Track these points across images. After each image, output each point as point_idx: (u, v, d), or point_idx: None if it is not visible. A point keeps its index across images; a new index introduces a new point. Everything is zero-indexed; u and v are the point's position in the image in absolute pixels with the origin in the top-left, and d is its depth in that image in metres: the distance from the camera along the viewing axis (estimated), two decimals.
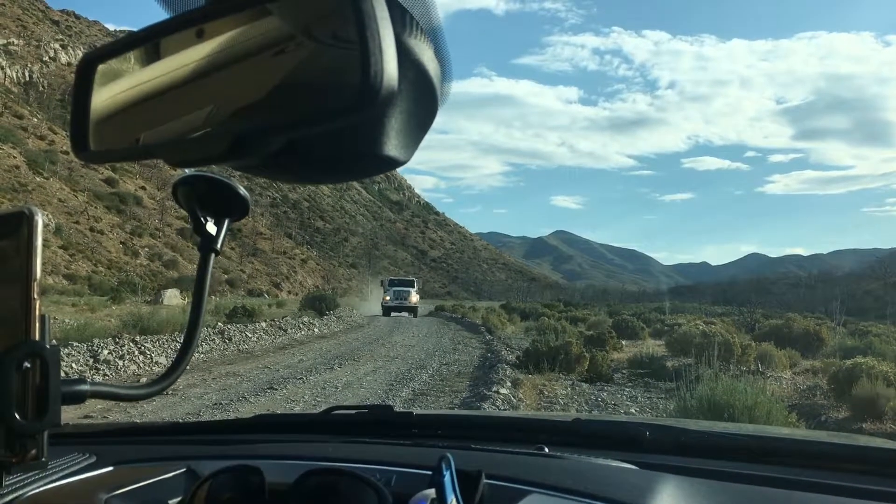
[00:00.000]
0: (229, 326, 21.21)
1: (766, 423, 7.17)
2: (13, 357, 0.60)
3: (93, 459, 1.33)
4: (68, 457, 1.33)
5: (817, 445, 1.53)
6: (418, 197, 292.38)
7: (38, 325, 0.62)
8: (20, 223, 0.63)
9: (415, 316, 43.87)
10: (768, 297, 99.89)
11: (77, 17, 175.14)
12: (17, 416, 0.60)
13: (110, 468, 1.30)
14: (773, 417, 7.56)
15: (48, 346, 0.62)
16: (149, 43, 0.68)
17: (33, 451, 0.61)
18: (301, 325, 26.15)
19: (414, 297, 45.90)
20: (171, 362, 0.77)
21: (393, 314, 44.65)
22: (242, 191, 0.82)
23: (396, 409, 1.69)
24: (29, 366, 0.61)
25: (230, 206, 0.82)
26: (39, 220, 0.63)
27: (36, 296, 0.62)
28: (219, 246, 0.81)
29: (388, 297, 45.94)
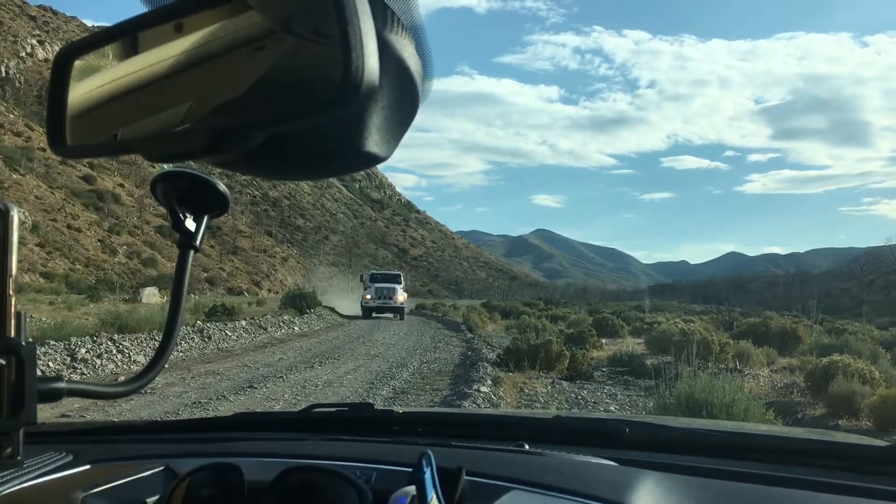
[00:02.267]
0: (209, 325, 21.07)
1: (743, 420, 7.23)
2: None
3: (69, 458, 1.32)
4: (44, 455, 1.31)
5: (794, 442, 1.55)
6: (399, 195, 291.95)
7: (13, 321, 0.61)
8: None
9: (401, 318, 37.34)
10: (746, 296, 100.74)
11: (54, 12, 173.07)
12: None
13: (87, 467, 1.29)
14: (750, 414, 7.63)
15: (24, 344, 0.61)
16: (126, 37, 0.67)
17: (8, 450, 0.61)
18: (281, 324, 26.04)
19: (400, 296, 38.38)
20: (149, 360, 0.77)
21: (375, 316, 38.10)
22: (222, 187, 0.81)
23: (377, 407, 1.69)
24: (4, 363, 0.60)
25: (209, 203, 0.81)
26: (16, 216, 0.62)
27: (11, 292, 0.61)
28: (198, 242, 0.81)
29: (368, 296, 38.08)
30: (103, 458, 1.33)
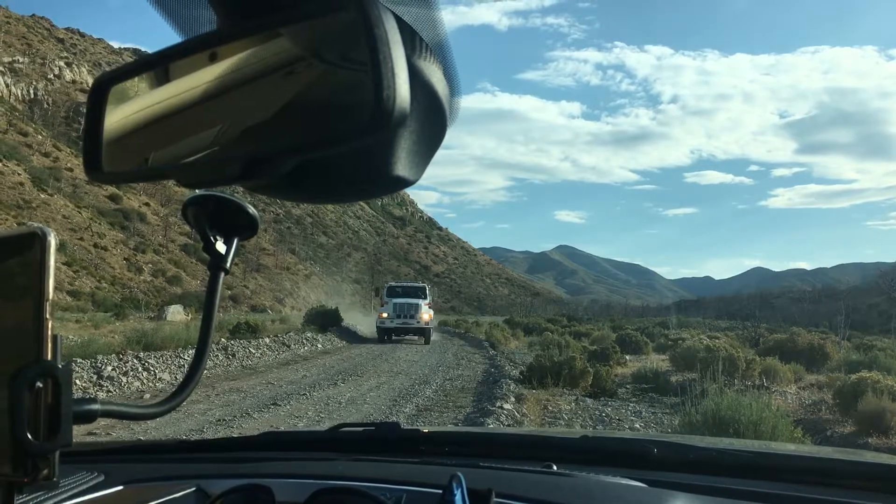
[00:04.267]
0: (233, 342, 21.17)
1: (771, 439, 7.13)
2: (25, 376, 0.60)
3: (101, 478, 1.33)
4: (77, 476, 1.32)
5: (824, 462, 1.53)
6: (421, 212, 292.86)
7: (50, 344, 0.62)
8: (33, 243, 0.63)
9: (426, 341, 30.22)
10: (772, 312, 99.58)
11: (82, 34, 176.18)
12: (30, 436, 0.60)
13: (120, 487, 1.30)
14: (778, 432, 7.52)
15: (60, 366, 0.62)
16: (161, 65, 0.68)
17: (45, 471, 0.61)
18: (304, 341, 26.11)
19: (425, 314, 30.59)
20: (180, 380, 0.77)
21: (394, 339, 31.18)
22: (251, 210, 0.82)
23: (403, 426, 1.69)
24: (41, 385, 0.61)
25: (239, 225, 0.82)
26: (52, 241, 0.63)
27: (48, 315, 0.62)
28: (228, 265, 0.81)
29: (385, 314, 30.73)
30: (134, 479, 1.34)
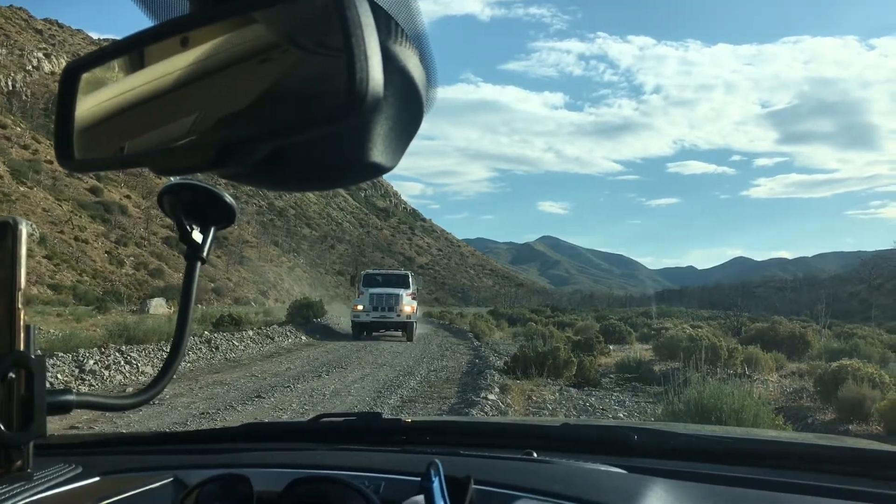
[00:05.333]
0: (216, 335, 21.09)
1: (753, 426, 7.20)
2: None
3: (79, 470, 1.32)
4: (54, 468, 1.32)
5: (804, 447, 1.54)
6: (405, 203, 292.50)
7: (22, 335, 0.62)
8: (4, 233, 0.62)
9: (409, 338, 26.36)
10: (754, 301, 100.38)
11: (60, 25, 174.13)
12: (2, 427, 0.59)
13: (96, 479, 1.29)
14: (760, 420, 7.59)
15: (33, 357, 0.61)
16: (133, 51, 0.67)
17: (18, 463, 0.61)
18: (288, 333, 26.05)
19: (407, 306, 26.62)
20: (157, 371, 0.77)
21: (372, 334, 27.17)
22: (228, 198, 0.81)
23: (385, 416, 1.69)
24: (14, 376, 0.60)
25: (216, 214, 0.81)
26: (24, 230, 0.62)
27: (21, 305, 0.62)
28: (205, 254, 0.81)
29: (360, 307, 26.60)
30: (112, 470, 1.33)
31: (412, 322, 27.01)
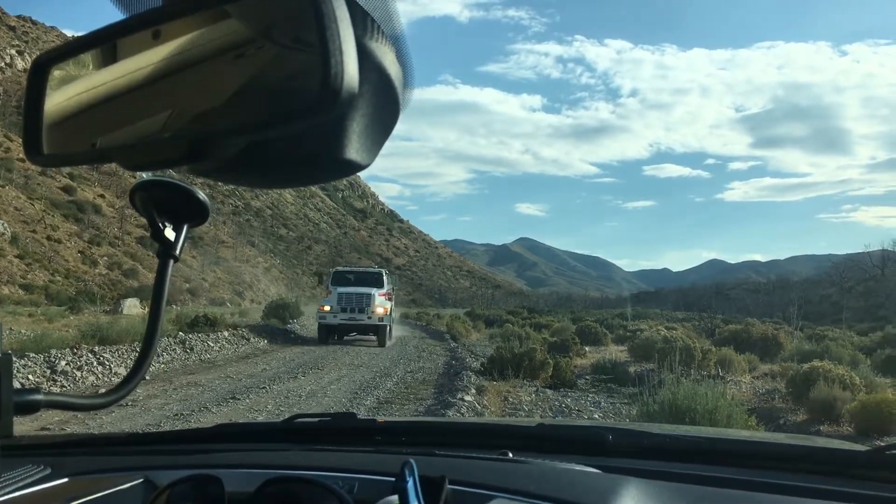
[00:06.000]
0: (191, 336, 20.91)
1: (726, 426, 7.26)
2: None
3: (47, 471, 1.30)
4: (22, 469, 1.30)
5: (775, 447, 1.56)
6: (382, 204, 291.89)
7: None
8: None
9: (381, 343, 23.92)
10: (728, 303, 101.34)
11: (34, 22, 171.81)
12: None
13: (65, 480, 1.27)
14: (733, 421, 7.66)
15: (0, 355, 0.60)
16: (104, 44, 0.67)
17: None
18: (264, 334, 25.87)
19: (379, 307, 24.07)
20: (128, 371, 0.76)
21: (343, 338, 25.43)
22: (202, 195, 0.81)
23: (360, 416, 1.68)
24: None
25: (189, 212, 0.81)
26: None
27: None
28: (178, 252, 0.80)
29: (327, 308, 24.09)
30: (82, 471, 1.31)
31: (386, 325, 24.32)
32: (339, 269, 28.30)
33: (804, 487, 1.22)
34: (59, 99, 0.68)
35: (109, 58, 0.67)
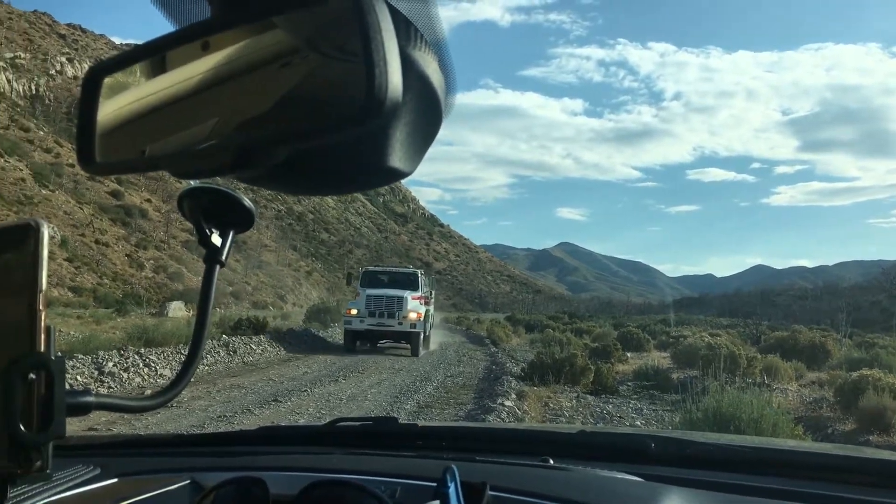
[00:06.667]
0: (234, 339, 21.19)
1: (772, 436, 7.14)
2: (18, 368, 0.60)
3: (97, 471, 1.33)
4: (72, 469, 1.33)
5: (823, 457, 1.52)
6: (423, 209, 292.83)
7: (43, 336, 0.62)
8: (26, 235, 0.63)
9: (414, 353, 21.62)
10: (774, 309, 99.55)
11: (83, 30, 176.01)
12: (22, 428, 0.60)
13: (114, 480, 1.30)
14: (779, 429, 7.53)
15: (53, 358, 0.62)
16: (155, 56, 0.68)
17: (38, 463, 0.61)
18: (306, 338, 26.07)
19: (413, 312, 21.77)
20: (175, 374, 0.77)
21: (375, 345, 23.27)
22: (247, 202, 0.82)
23: (401, 420, 1.69)
24: (34, 377, 0.61)
25: (235, 218, 0.82)
26: (45, 232, 0.63)
27: (42, 307, 0.62)
28: (224, 257, 0.81)
29: (354, 311, 22.01)
30: (130, 472, 1.34)
31: (419, 332, 21.84)
32: (370, 268, 25.90)
33: (852, 499, 1.19)
34: (111, 108, 0.70)
35: (159, 67, 0.69)
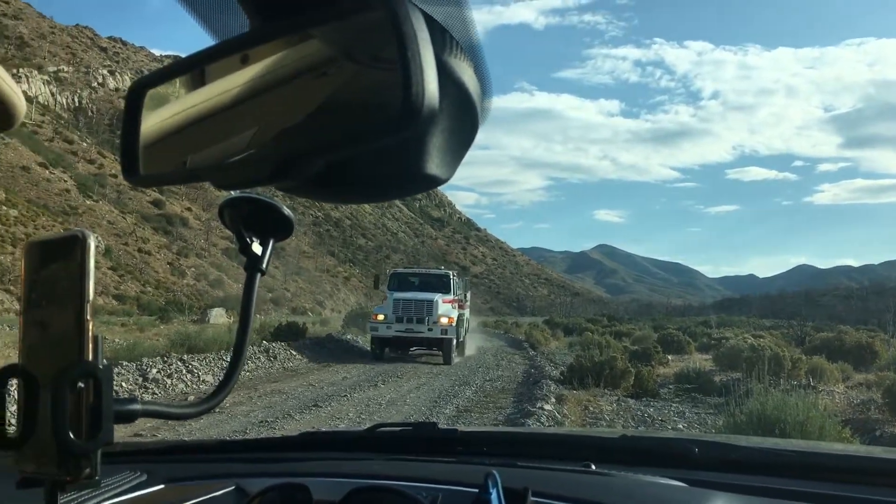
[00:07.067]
0: (274, 344, 21.37)
1: (818, 439, 7.00)
2: (67, 377, 0.61)
3: (143, 478, 1.35)
4: (119, 475, 1.35)
5: (872, 461, 1.49)
6: (459, 213, 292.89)
7: (91, 345, 0.63)
8: (74, 246, 0.64)
9: (447, 360, 20.03)
10: (818, 310, 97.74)
11: (124, 43, 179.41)
12: (72, 436, 0.61)
13: (161, 486, 1.32)
14: (825, 432, 7.37)
15: (101, 367, 0.63)
16: (195, 69, 0.69)
17: (87, 470, 0.62)
18: (350, 339, 26.16)
19: (444, 317, 20.23)
20: (219, 381, 0.78)
21: (404, 352, 21.59)
22: (287, 211, 0.83)
23: (441, 426, 1.69)
24: (83, 385, 0.62)
25: (275, 227, 0.82)
26: (92, 244, 0.64)
27: (89, 317, 0.63)
28: (264, 265, 0.82)
29: (381, 316, 20.70)
30: (176, 478, 1.36)
31: (451, 339, 20.21)
32: (399, 270, 24.48)
33: None
34: (154, 121, 0.71)
35: (198, 80, 0.70)
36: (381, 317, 20.56)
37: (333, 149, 0.59)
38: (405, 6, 0.55)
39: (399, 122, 0.54)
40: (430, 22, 0.57)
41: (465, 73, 0.61)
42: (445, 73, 0.57)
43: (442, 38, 0.59)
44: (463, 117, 0.63)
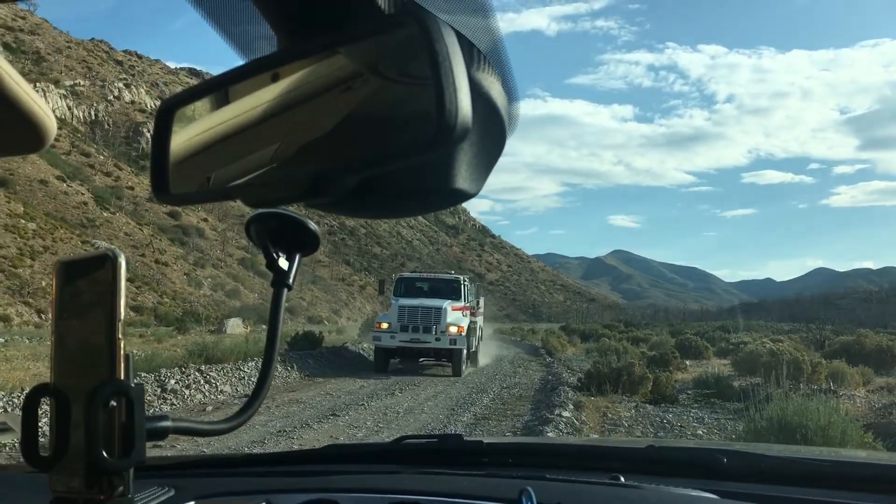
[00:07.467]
0: (291, 353, 21.38)
1: (840, 444, 6.93)
2: (100, 396, 0.62)
3: (172, 493, 1.35)
4: (148, 491, 1.35)
5: None
6: (474, 220, 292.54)
7: (122, 364, 0.64)
8: (104, 265, 0.64)
9: (457, 372, 18.58)
10: (837, 313, 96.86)
11: (139, 56, 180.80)
12: (105, 454, 0.61)
13: (192, 502, 1.32)
14: (847, 437, 7.29)
15: (133, 385, 0.63)
16: (225, 88, 0.70)
17: (120, 489, 0.63)
18: (361, 351, 26.22)
19: (454, 326, 18.59)
20: (242, 392, 0.78)
21: (395, 368, 19.77)
22: (313, 226, 0.83)
23: (466, 437, 1.68)
24: (115, 404, 0.62)
25: (301, 242, 0.83)
26: (123, 263, 0.64)
27: (120, 335, 0.63)
28: (291, 281, 0.82)
29: (385, 325, 19.07)
30: (204, 494, 1.36)
31: (461, 349, 18.60)
32: (405, 274, 22.71)
33: None
34: (183, 140, 0.71)
35: (224, 97, 0.70)
36: (384, 325, 19.08)
37: (367, 166, 0.59)
38: (437, 24, 0.54)
39: (433, 141, 0.54)
40: (459, 37, 0.57)
41: (494, 87, 0.61)
42: (475, 89, 0.57)
43: (470, 52, 0.59)
44: (492, 132, 0.62)
